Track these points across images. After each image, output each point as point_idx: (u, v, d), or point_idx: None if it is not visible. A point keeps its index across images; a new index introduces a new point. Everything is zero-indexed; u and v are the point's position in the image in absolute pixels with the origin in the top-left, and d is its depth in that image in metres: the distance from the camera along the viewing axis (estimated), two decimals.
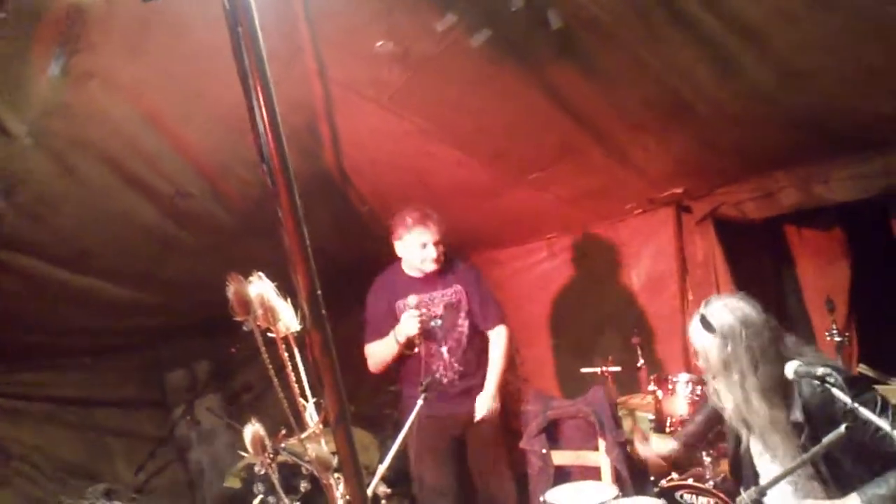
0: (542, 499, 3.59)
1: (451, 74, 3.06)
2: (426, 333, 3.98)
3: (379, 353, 4.10)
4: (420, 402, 3.12)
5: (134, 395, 4.94)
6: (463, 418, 4.14)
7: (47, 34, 2.34)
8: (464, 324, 4.12)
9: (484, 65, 2.92)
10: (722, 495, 3.23)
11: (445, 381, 4.09)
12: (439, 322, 4.03)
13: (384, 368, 4.17)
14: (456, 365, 4.09)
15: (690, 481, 3.38)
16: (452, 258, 4.20)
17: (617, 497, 3.45)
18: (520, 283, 5.63)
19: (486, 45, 2.77)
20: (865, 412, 2.14)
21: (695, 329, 2.69)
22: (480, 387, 4.13)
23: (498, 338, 4.17)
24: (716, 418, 3.01)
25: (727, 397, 2.65)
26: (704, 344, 2.64)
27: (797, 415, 2.52)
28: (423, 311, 3.94)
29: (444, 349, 4.07)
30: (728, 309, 2.61)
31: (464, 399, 4.11)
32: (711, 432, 3.26)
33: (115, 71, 2.59)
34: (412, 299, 3.95)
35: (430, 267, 4.00)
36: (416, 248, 3.97)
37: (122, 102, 2.76)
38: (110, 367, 4.78)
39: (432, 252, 3.95)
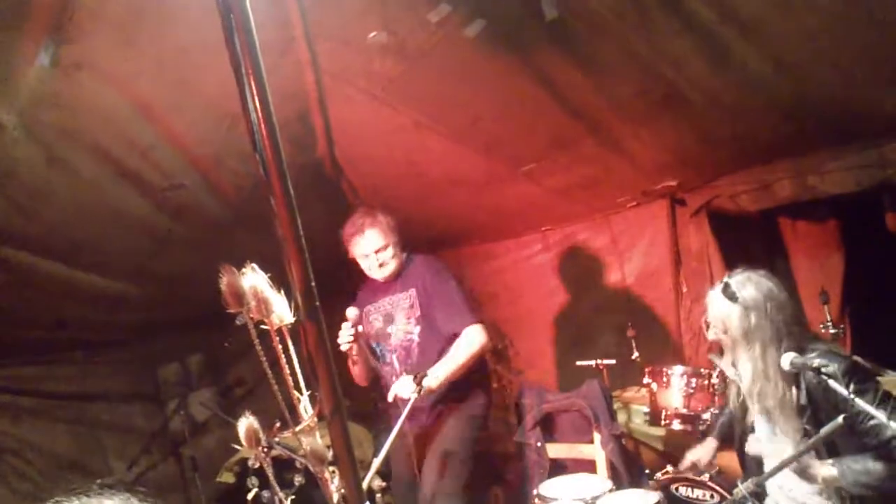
0: (536, 492, 3.59)
1: (445, 66, 3.03)
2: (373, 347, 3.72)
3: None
4: (412, 398, 3.10)
5: (127, 390, 4.94)
6: (416, 439, 3.63)
7: (37, 23, 2.31)
8: (413, 331, 3.70)
9: (478, 56, 2.90)
10: (718, 488, 3.23)
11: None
12: (349, 345, 3.49)
13: (353, 373, 3.82)
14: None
15: (686, 474, 3.38)
16: (412, 256, 3.86)
17: (612, 490, 3.44)
18: (514, 276, 5.62)
19: (481, 36, 2.75)
20: (862, 403, 2.16)
21: (716, 297, 2.67)
22: (442, 405, 3.67)
23: (463, 337, 3.58)
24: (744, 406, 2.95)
25: (745, 368, 2.63)
26: (726, 312, 2.63)
27: (803, 397, 2.53)
28: (351, 331, 3.44)
29: (394, 357, 3.72)
30: (752, 282, 2.61)
31: (416, 417, 3.62)
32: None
33: (105, 61, 2.56)
34: (350, 311, 3.45)
35: (378, 276, 3.74)
36: (360, 260, 3.74)
37: (113, 93, 2.73)
38: (103, 361, 4.77)
39: (374, 261, 3.68)
